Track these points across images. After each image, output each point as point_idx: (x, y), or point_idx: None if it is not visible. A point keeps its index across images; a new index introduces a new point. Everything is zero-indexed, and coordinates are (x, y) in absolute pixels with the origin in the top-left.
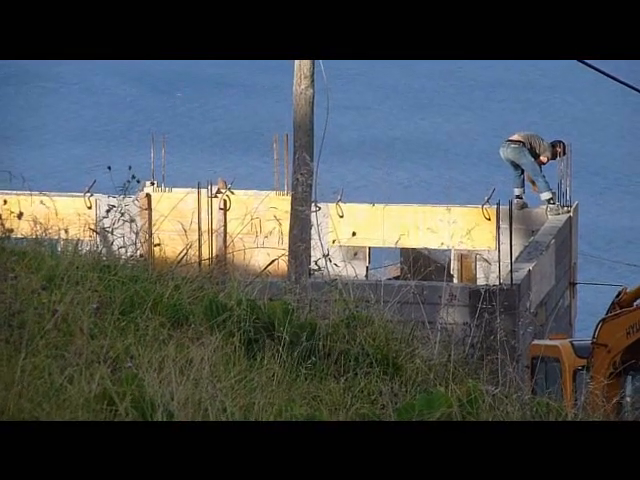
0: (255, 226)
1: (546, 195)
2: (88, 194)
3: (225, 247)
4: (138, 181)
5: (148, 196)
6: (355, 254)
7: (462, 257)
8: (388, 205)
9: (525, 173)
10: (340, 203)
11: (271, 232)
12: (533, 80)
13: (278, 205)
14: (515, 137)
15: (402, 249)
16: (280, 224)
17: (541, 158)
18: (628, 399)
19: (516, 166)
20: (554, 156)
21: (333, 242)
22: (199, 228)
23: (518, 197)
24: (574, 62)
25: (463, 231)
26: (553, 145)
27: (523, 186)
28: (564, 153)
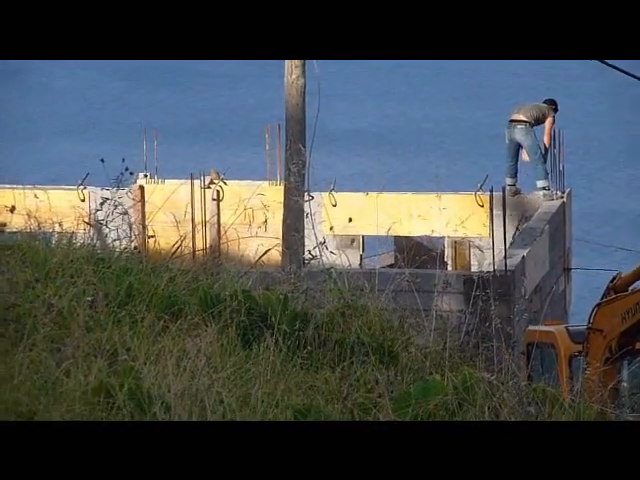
0: (248, 216)
1: (543, 183)
2: (81, 187)
3: (219, 238)
4: (131, 173)
5: (141, 188)
6: (352, 241)
7: (456, 244)
8: (381, 193)
9: (522, 153)
10: (333, 192)
11: (265, 222)
12: (520, 66)
13: (271, 195)
14: (520, 117)
15: (396, 237)
16: (267, 211)
17: (545, 140)
18: (625, 384)
19: (515, 151)
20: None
21: (331, 229)
22: (192, 219)
23: (510, 186)
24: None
25: (457, 218)
26: (549, 104)
27: (516, 176)
28: (556, 110)
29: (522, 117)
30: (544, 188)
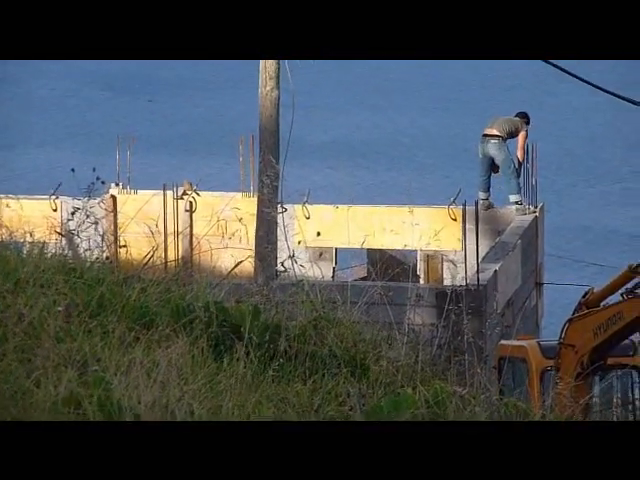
0: (221, 227)
1: (515, 197)
2: (53, 197)
3: (191, 249)
4: (103, 182)
5: (113, 198)
6: (320, 255)
7: (428, 258)
8: (352, 206)
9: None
10: (306, 204)
11: (234, 233)
12: (494, 80)
13: (245, 207)
14: (494, 131)
15: (368, 250)
16: (241, 223)
17: (518, 154)
18: (596, 400)
19: (489, 166)
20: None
21: (299, 243)
22: (165, 230)
23: (483, 200)
24: (534, 62)
25: (429, 232)
26: (522, 117)
27: (489, 190)
28: (528, 123)
29: (495, 132)
30: (517, 202)
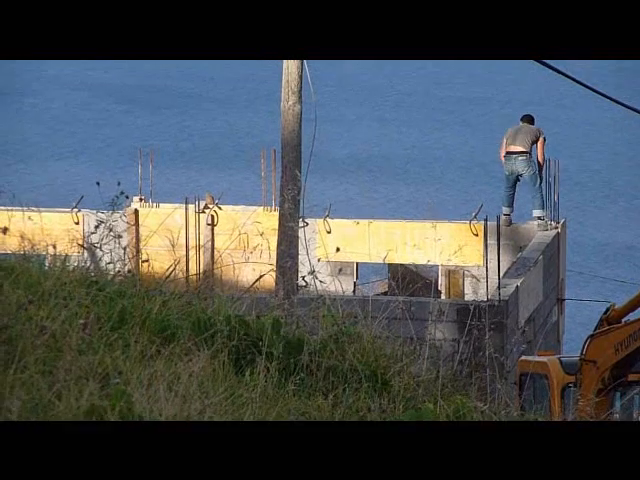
0: (243, 241)
1: (539, 212)
2: (75, 210)
3: (213, 262)
4: (127, 197)
5: (136, 212)
6: (340, 270)
7: (450, 273)
8: (373, 221)
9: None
10: (328, 219)
11: (256, 247)
12: (512, 95)
13: (266, 221)
14: (519, 148)
15: (390, 265)
16: (262, 237)
17: (539, 159)
18: (617, 416)
19: (514, 182)
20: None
21: (319, 260)
22: (187, 243)
23: (506, 215)
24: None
25: (451, 247)
26: (529, 121)
27: (512, 205)
28: (533, 122)
29: (520, 148)
30: (539, 218)
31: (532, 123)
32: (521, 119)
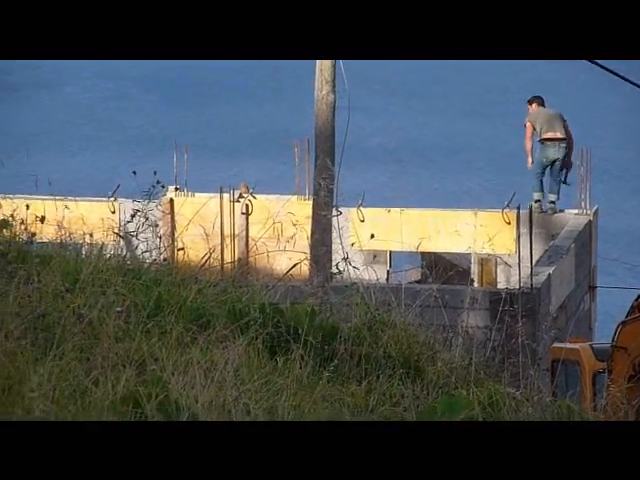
0: (277, 230)
1: (554, 197)
2: (112, 199)
3: (247, 251)
4: (163, 186)
5: (171, 201)
6: (374, 257)
7: (483, 261)
8: (405, 210)
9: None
10: (361, 208)
11: (292, 237)
12: (532, 84)
13: (300, 209)
14: (558, 134)
15: (423, 253)
16: (296, 227)
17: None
18: None
19: (545, 169)
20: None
21: (352, 245)
22: (222, 232)
23: (537, 201)
24: (580, 67)
25: (484, 235)
26: (540, 101)
27: (543, 190)
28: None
29: (559, 135)
30: (552, 202)
31: (543, 104)
32: (531, 102)
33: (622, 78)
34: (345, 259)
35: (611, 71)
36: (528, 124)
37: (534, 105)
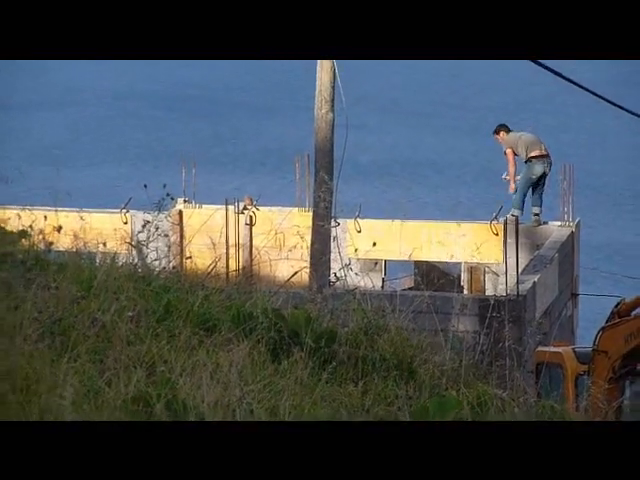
0: (279, 240)
1: (537, 210)
2: (124, 210)
3: (251, 259)
4: (172, 198)
5: (180, 212)
6: (376, 264)
7: (472, 269)
8: (404, 221)
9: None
10: (358, 219)
11: (295, 246)
12: (522, 101)
13: (300, 221)
14: (544, 152)
15: (416, 262)
16: (302, 239)
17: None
18: (627, 402)
19: (535, 184)
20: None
21: (355, 251)
22: (227, 242)
23: (536, 215)
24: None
25: (473, 245)
26: (507, 129)
27: (523, 208)
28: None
29: (545, 152)
30: (536, 214)
31: (509, 130)
32: (498, 131)
33: (568, 80)
34: (347, 265)
35: (557, 73)
36: (509, 151)
37: (502, 134)
